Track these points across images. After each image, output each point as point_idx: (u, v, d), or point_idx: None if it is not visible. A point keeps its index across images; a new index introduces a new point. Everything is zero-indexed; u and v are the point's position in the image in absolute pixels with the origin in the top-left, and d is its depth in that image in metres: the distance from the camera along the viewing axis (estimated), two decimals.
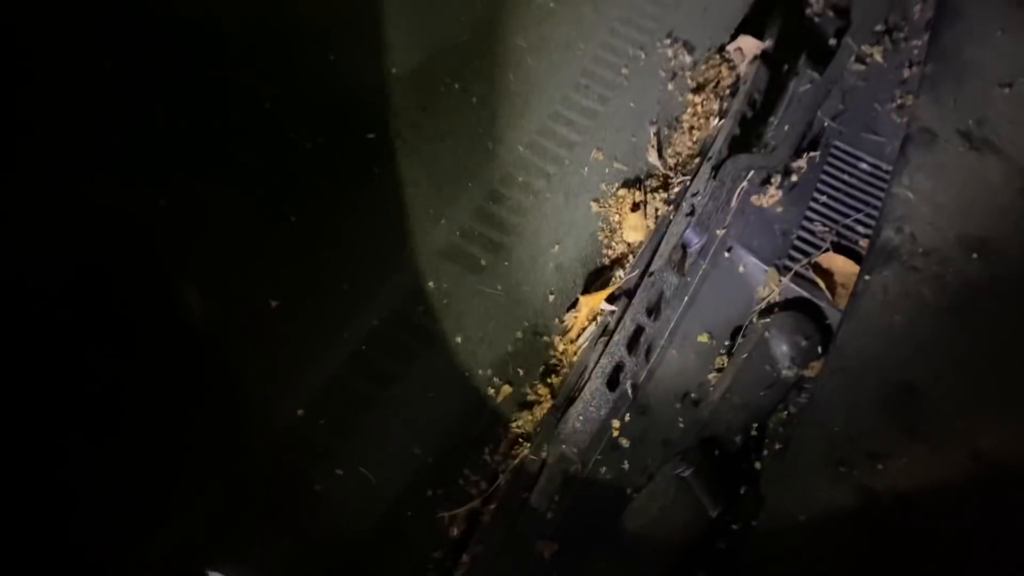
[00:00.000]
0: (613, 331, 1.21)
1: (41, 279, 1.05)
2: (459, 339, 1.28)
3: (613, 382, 1.17)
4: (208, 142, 1.20)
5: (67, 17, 1.09)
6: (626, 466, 1.19)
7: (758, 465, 1.22)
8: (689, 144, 1.52)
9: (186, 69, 1.20)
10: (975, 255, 1.35)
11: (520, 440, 1.23)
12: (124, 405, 1.06)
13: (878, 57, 1.62)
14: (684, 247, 1.28)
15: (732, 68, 1.60)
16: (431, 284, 1.31)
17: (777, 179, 1.42)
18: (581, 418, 1.13)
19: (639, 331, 1.21)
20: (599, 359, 1.17)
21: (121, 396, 1.07)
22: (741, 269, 1.36)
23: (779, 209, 1.41)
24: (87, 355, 1.05)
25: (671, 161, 1.51)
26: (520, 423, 1.25)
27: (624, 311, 1.22)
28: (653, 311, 1.23)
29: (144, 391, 1.08)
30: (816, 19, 1.68)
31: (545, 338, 1.32)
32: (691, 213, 1.28)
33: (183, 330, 1.09)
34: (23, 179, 1.04)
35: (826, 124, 1.51)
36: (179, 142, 1.18)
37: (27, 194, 1.04)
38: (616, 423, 1.20)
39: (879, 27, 1.65)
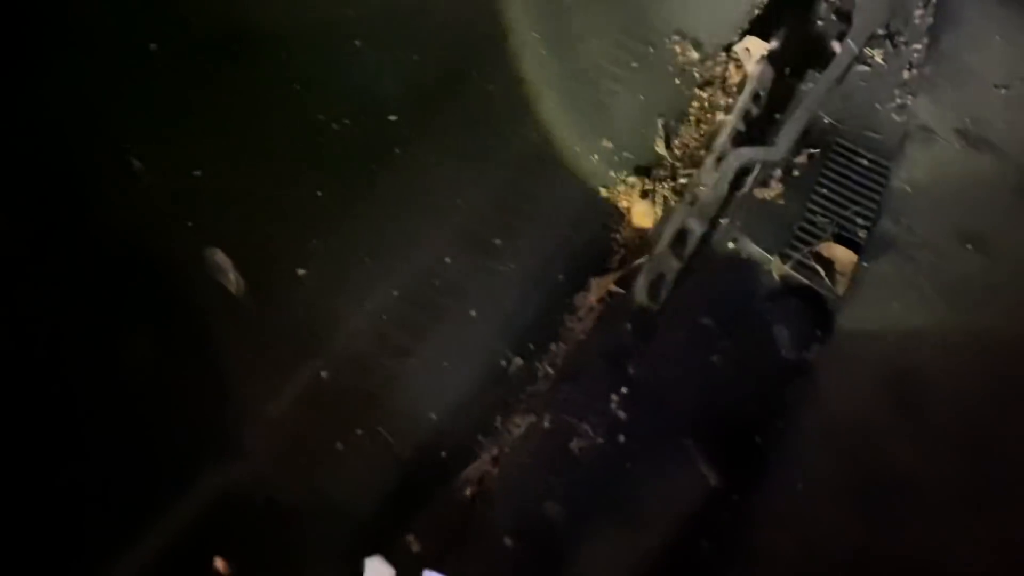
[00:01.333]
0: (617, 310, 1.27)
1: (75, 245, 1.11)
2: (473, 313, 1.33)
3: (614, 358, 1.23)
4: (241, 120, 1.26)
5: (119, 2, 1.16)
6: (628, 436, 1.23)
7: (759, 440, 1.27)
8: (696, 137, 1.58)
9: (222, 53, 1.26)
10: (970, 246, 1.40)
11: (527, 408, 1.28)
12: (153, 366, 1.11)
13: (879, 59, 1.68)
14: (686, 233, 1.33)
15: (739, 67, 1.66)
16: (448, 260, 1.36)
17: (779, 173, 1.48)
18: (582, 390, 1.20)
19: (639, 310, 1.26)
20: (601, 336, 1.23)
21: (151, 357, 1.12)
22: (745, 257, 1.41)
23: (782, 201, 1.47)
24: (120, 318, 1.10)
25: (678, 152, 1.56)
26: (529, 393, 1.30)
27: (627, 292, 1.28)
28: (653, 292, 1.28)
29: (172, 353, 1.13)
30: (821, 22, 1.74)
31: (555, 315, 1.37)
32: (693, 203, 1.33)
33: (215, 294, 1.15)
34: (69, 147, 1.10)
35: (827, 121, 1.57)
36: (214, 119, 1.23)
37: (70, 162, 1.10)
38: (615, 397, 1.25)
39: (881, 31, 1.70)
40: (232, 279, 1.15)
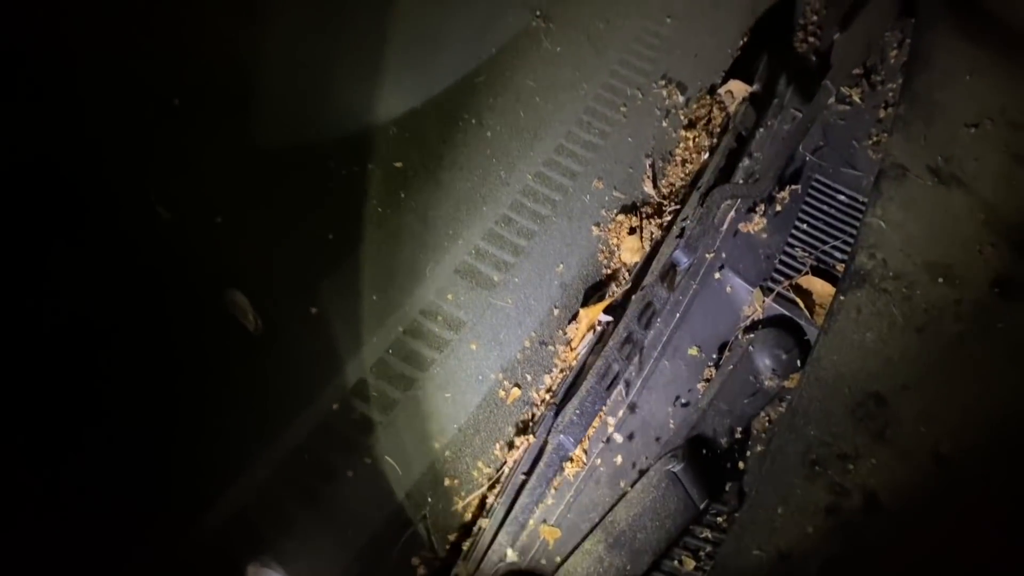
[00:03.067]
0: (608, 337, 1.33)
1: (106, 289, 1.19)
2: (473, 347, 1.41)
3: (606, 381, 1.29)
4: (258, 169, 1.34)
5: (145, 62, 1.24)
6: (619, 460, 1.30)
7: (741, 464, 1.34)
8: (682, 175, 1.65)
9: (240, 106, 1.34)
10: (941, 279, 1.46)
11: (525, 433, 1.35)
12: (177, 398, 1.19)
13: (857, 98, 1.74)
14: (674, 265, 1.40)
15: (723, 108, 1.74)
16: (449, 297, 1.44)
17: (762, 208, 1.54)
18: (577, 412, 1.24)
19: (630, 337, 1.32)
20: (595, 361, 1.29)
21: (176, 391, 1.19)
22: (729, 289, 1.48)
23: (764, 235, 1.53)
24: (148, 346, 1.18)
25: (665, 191, 1.63)
26: (526, 420, 1.37)
27: (619, 320, 1.35)
28: (644, 320, 1.35)
29: (195, 386, 1.21)
30: (800, 63, 1.80)
31: (550, 347, 1.45)
32: (680, 235, 1.40)
33: (235, 331, 1.22)
34: (99, 194, 1.18)
35: (807, 159, 1.63)
36: (233, 169, 1.32)
37: (103, 208, 1.18)
38: (611, 420, 1.32)
39: (858, 70, 1.77)
40: (251, 318, 1.23)
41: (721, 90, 1.74)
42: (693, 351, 1.42)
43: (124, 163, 1.21)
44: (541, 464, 1.23)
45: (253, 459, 1.19)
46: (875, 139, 1.69)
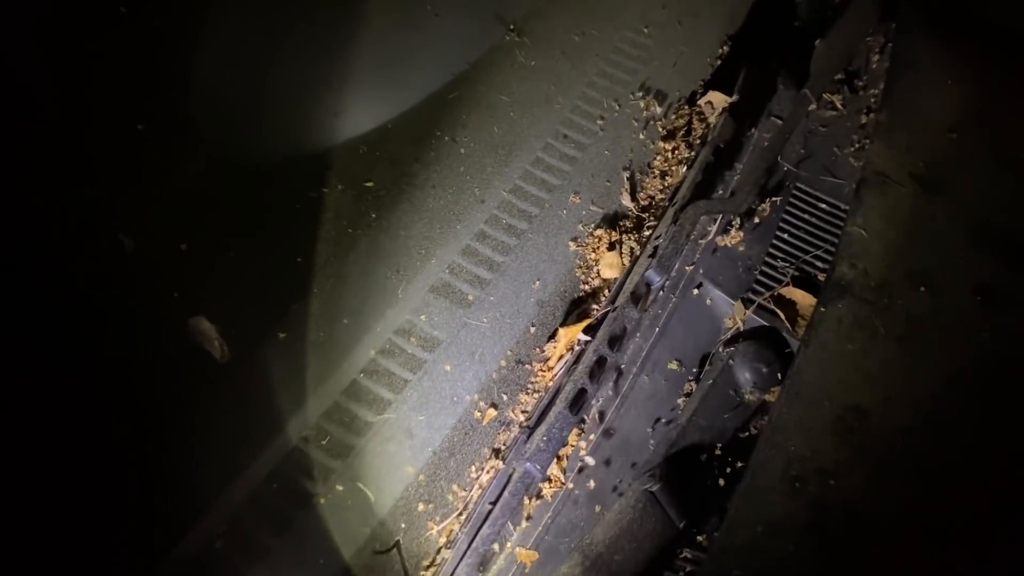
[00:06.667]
0: (584, 358, 1.32)
1: (69, 319, 1.17)
2: (448, 367, 1.40)
3: (576, 406, 1.27)
4: (223, 193, 1.33)
5: (106, 88, 1.22)
6: (592, 484, 1.29)
7: (721, 481, 1.32)
8: (661, 188, 1.64)
9: (204, 129, 1.33)
10: (922, 288, 1.44)
11: (497, 457, 1.34)
12: (143, 424, 1.18)
13: (838, 104, 1.72)
14: (647, 285, 1.38)
15: (702, 119, 1.72)
16: (423, 317, 1.42)
17: (738, 221, 1.53)
18: (545, 438, 1.23)
19: (602, 361, 1.31)
20: (570, 384, 1.28)
21: (138, 414, 1.18)
22: (709, 302, 1.46)
23: (742, 248, 1.51)
24: (113, 379, 1.17)
25: (644, 204, 1.62)
26: (500, 443, 1.36)
27: (594, 341, 1.33)
28: (616, 343, 1.34)
29: (161, 418, 1.20)
30: (780, 73, 1.79)
31: (527, 366, 1.43)
32: (653, 255, 1.38)
33: (202, 359, 1.21)
34: (61, 224, 1.17)
35: (787, 168, 1.62)
36: (198, 194, 1.31)
37: (66, 238, 1.17)
38: (584, 444, 1.31)
39: (840, 76, 1.76)
40: (217, 346, 1.22)
41: (701, 100, 1.73)
42: (673, 365, 1.41)
43: (85, 191, 1.20)
44: (506, 493, 1.21)
45: (222, 488, 1.17)
46: (857, 146, 1.68)
